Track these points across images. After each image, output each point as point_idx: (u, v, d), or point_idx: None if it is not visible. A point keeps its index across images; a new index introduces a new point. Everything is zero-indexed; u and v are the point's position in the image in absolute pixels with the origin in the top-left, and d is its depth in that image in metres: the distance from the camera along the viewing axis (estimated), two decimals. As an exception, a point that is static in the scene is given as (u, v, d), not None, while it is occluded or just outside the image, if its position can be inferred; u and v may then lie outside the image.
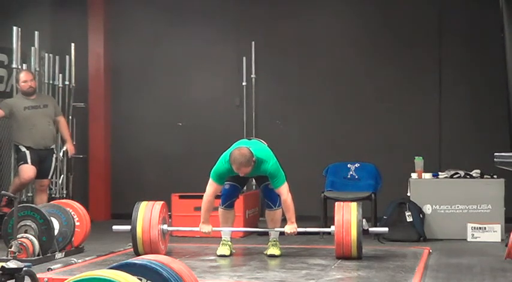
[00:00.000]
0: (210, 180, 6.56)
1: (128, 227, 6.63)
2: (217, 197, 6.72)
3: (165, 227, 6.68)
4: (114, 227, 6.93)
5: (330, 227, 6.52)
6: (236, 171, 6.36)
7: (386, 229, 6.83)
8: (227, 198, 6.71)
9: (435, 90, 9.87)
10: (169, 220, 7.10)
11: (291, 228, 6.53)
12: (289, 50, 10.22)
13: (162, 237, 6.64)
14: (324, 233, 8.19)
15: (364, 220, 6.40)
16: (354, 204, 6.48)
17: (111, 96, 10.59)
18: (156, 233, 6.53)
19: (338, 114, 10.08)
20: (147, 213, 6.58)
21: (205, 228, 6.64)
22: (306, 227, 6.59)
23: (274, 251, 6.62)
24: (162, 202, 6.76)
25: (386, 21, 10.01)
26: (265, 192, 6.69)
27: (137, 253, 6.48)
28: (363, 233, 6.35)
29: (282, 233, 6.68)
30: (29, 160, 7.93)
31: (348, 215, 6.34)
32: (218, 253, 6.63)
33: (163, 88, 10.44)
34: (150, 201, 6.72)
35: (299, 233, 6.64)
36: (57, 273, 5.56)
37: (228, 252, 6.64)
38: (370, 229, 6.57)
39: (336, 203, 6.55)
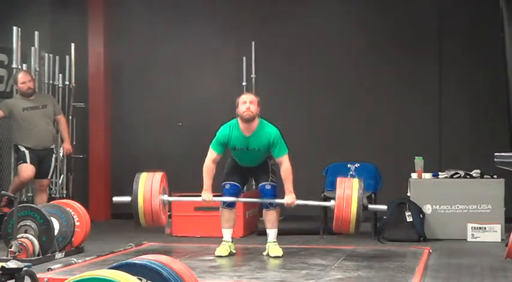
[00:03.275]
0: (209, 149, 6.66)
1: (128, 198, 6.61)
2: (218, 196, 6.73)
3: (165, 197, 6.68)
4: (115, 199, 6.89)
5: (330, 201, 6.59)
6: (242, 104, 6.54)
7: (385, 207, 6.83)
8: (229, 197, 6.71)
9: (435, 90, 9.87)
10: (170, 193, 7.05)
11: (289, 198, 6.55)
12: (289, 50, 10.22)
13: (163, 207, 6.64)
14: (323, 232, 8.22)
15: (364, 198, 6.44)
16: (355, 180, 6.50)
17: (111, 96, 10.59)
18: (158, 203, 6.53)
19: (338, 114, 10.08)
20: (148, 183, 6.56)
21: (206, 195, 6.63)
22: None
23: (277, 252, 6.60)
24: (162, 173, 6.74)
25: (386, 21, 10.02)
26: (263, 192, 6.70)
27: (138, 224, 6.53)
28: (362, 209, 6.37)
29: (279, 233, 6.70)
30: (28, 159, 7.93)
31: (349, 190, 6.36)
32: (216, 254, 6.63)
33: (163, 88, 10.44)
34: (150, 172, 6.69)
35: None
36: (57, 273, 5.56)
37: (225, 253, 6.63)
38: (370, 206, 6.57)
39: (338, 178, 6.57)
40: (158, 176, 6.66)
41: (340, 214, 6.34)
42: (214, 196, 6.66)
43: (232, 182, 6.71)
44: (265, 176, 6.70)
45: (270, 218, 6.72)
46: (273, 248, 6.64)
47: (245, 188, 7.34)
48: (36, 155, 7.99)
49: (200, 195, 6.67)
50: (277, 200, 6.68)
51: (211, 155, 6.65)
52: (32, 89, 8.06)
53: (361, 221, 6.39)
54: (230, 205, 6.74)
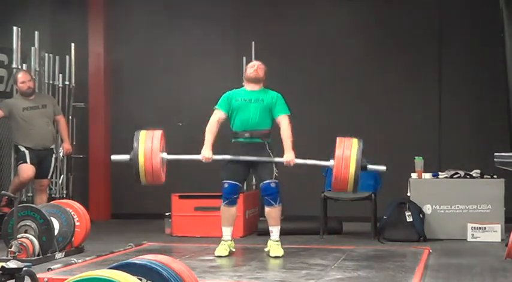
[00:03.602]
0: (215, 110, 6.74)
1: (127, 157, 6.59)
2: (218, 196, 6.73)
3: (164, 155, 6.66)
4: (113, 157, 6.87)
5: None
6: (250, 68, 6.82)
7: (384, 167, 6.77)
8: (228, 195, 6.70)
9: (435, 90, 9.87)
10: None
11: (289, 156, 6.62)
12: (289, 50, 10.22)
13: (162, 165, 6.62)
14: (323, 232, 8.22)
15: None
16: (355, 140, 6.51)
17: (111, 96, 10.60)
18: (158, 160, 6.52)
19: (338, 114, 10.08)
20: (148, 141, 6.55)
21: (206, 152, 6.66)
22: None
23: (278, 252, 6.60)
24: (161, 131, 6.72)
25: (387, 21, 10.02)
26: (266, 189, 6.65)
27: (139, 182, 6.53)
28: (361, 170, 6.41)
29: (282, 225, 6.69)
30: (28, 160, 7.92)
31: (348, 150, 6.38)
32: (216, 254, 6.62)
33: (163, 88, 10.44)
34: (149, 130, 6.66)
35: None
36: (57, 273, 5.55)
37: (225, 253, 6.62)
38: (369, 166, 6.55)
39: (338, 138, 6.57)
40: (158, 133, 6.65)
41: (339, 174, 6.39)
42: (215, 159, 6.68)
43: (231, 182, 6.68)
44: (268, 173, 6.66)
45: (273, 215, 6.70)
46: (275, 247, 6.63)
47: (245, 185, 7.31)
48: (36, 155, 7.99)
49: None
50: (276, 159, 6.66)
51: (216, 113, 6.73)
52: (31, 88, 8.06)
53: (359, 181, 6.41)
54: (230, 203, 6.70)
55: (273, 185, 6.62)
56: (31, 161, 7.94)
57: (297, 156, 6.71)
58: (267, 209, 6.74)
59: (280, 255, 6.56)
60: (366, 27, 10.02)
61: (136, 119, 10.43)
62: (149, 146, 6.52)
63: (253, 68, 6.82)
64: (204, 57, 10.31)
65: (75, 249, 7.00)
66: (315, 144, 9.98)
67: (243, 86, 6.90)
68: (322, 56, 10.14)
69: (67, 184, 9.47)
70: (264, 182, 6.66)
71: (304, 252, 6.85)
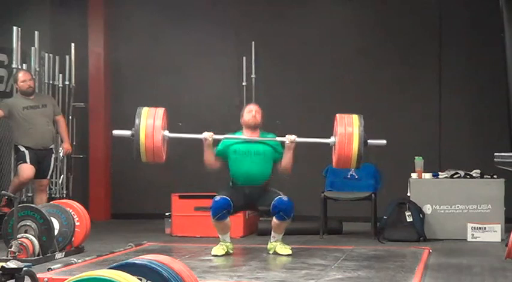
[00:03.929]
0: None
1: (129, 132, 6.54)
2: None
3: (166, 133, 6.62)
4: (115, 132, 6.80)
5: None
6: (248, 113, 6.74)
7: (384, 141, 6.77)
8: (217, 211, 6.56)
9: (435, 90, 9.87)
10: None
11: (290, 136, 6.68)
12: (289, 50, 10.22)
13: (164, 143, 6.58)
14: (323, 232, 8.22)
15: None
16: (355, 117, 6.50)
17: (111, 96, 10.59)
18: (160, 138, 6.47)
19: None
20: (150, 118, 6.50)
21: (207, 133, 6.71)
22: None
23: (287, 250, 6.63)
24: (163, 108, 6.68)
25: (387, 21, 10.01)
26: (280, 205, 6.53)
27: (139, 159, 6.47)
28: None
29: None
30: (27, 160, 7.92)
31: (350, 127, 6.39)
32: (212, 253, 6.62)
33: (163, 88, 10.43)
34: (152, 107, 6.63)
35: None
36: (57, 273, 5.55)
37: (221, 252, 6.61)
38: (369, 141, 6.54)
39: (338, 115, 6.56)
40: (160, 111, 6.61)
41: (342, 151, 6.37)
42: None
43: (222, 196, 6.60)
44: (275, 194, 6.63)
45: (282, 227, 6.69)
46: (282, 246, 6.67)
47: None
48: (36, 155, 7.99)
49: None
50: (278, 138, 6.67)
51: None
52: (32, 87, 8.07)
53: (362, 157, 6.39)
54: (220, 218, 6.58)
55: (285, 198, 6.56)
56: (31, 161, 7.93)
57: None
58: (277, 221, 6.63)
59: (291, 252, 6.59)
60: (366, 27, 10.02)
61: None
62: (151, 123, 6.48)
63: (251, 113, 6.75)
64: (204, 57, 10.31)
65: (75, 249, 6.99)
66: (314, 144, 9.99)
67: (240, 130, 6.82)
68: (322, 55, 10.13)
69: (67, 184, 9.47)
70: (275, 198, 6.57)
71: (304, 252, 6.85)
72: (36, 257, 6.39)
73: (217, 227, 6.68)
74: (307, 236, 8.31)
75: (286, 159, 6.65)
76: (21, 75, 8.08)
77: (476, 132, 9.70)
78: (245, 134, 6.74)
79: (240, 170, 6.67)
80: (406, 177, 8.46)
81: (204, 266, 6.06)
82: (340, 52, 10.07)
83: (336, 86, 10.10)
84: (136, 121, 6.50)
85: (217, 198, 6.60)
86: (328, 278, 5.47)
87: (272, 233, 6.75)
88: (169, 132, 6.71)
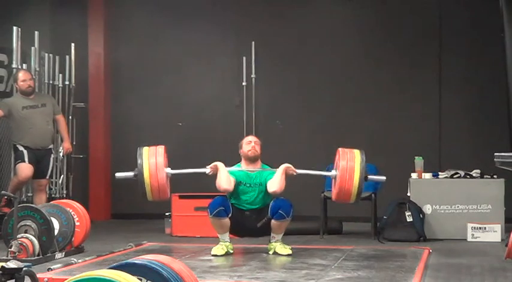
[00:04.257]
0: None
1: (131, 174, 6.61)
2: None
3: (168, 170, 6.66)
4: (117, 174, 6.87)
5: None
6: (247, 144, 6.72)
7: (383, 178, 6.90)
8: (214, 207, 6.60)
9: (435, 90, 9.87)
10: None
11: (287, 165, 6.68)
12: (289, 50, 10.22)
13: (167, 181, 6.64)
14: (323, 232, 8.22)
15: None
16: (357, 152, 6.56)
17: (111, 96, 10.60)
18: (164, 176, 6.54)
19: (338, 114, 10.08)
20: (152, 157, 6.55)
21: (217, 162, 6.68)
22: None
23: (287, 250, 6.63)
24: (163, 146, 6.72)
25: (386, 21, 10.01)
26: (278, 204, 6.59)
27: (145, 198, 6.55)
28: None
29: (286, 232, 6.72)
30: (26, 159, 7.92)
31: (352, 162, 6.45)
32: (212, 253, 6.62)
33: (163, 88, 10.44)
34: (151, 147, 6.67)
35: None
36: (57, 273, 5.55)
37: (221, 252, 6.62)
38: (369, 177, 6.61)
39: (340, 149, 6.62)
40: (161, 149, 6.66)
41: (343, 184, 6.45)
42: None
43: (221, 195, 6.68)
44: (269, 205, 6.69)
45: (282, 227, 6.70)
46: (282, 247, 6.67)
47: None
48: (35, 154, 7.99)
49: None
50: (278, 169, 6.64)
51: None
52: (32, 87, 8.07)
53: (362, 192, 6.50)
54: (217, 214, 6.60)
55: (282, 198, 6.63)
56: (29, 161, 7.93)
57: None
58: (277, 222, 6.64)
59: (291, 252, 6.60)
60: (366, 27, 10.02)
61: (136, 119, 10.46)
62: (153, 162, 6.55)
63: (250, 144, 6.75)
64: (204, 57, 10.31)
65: (75, 249, 6.99)
66: (314, 144, 10.01)
67: (239, 163, 6.83)
68: (322, 55, 10.13)
69: (67, 184, 9.47)
70: (274, 200, 6.63)
71: (304, 252, 6.84)
72: (36, 257, 6.40)
73: (215, 225, 6.69)
74: (307, 236, 8.31)
75: (274, 178, 6.62)
76: (21, 75, 8.08)
77: (476, 132, 9.70)
78: (247, 167, 6.77)
79: (243, 198, 6.75)
80: (406, 177, 8.46)
81: (204, 266, 6.06)
82: (340, 52, 10.07)
83: (336, 86, 10.10)
84: (139, 161, 6.56)
85: (215, 197, 6.69)
86: (328, 278, 5.46)
87: (272, 233, 6.75)
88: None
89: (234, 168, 6.77)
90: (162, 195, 6.63)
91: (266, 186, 6.67)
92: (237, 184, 6.70)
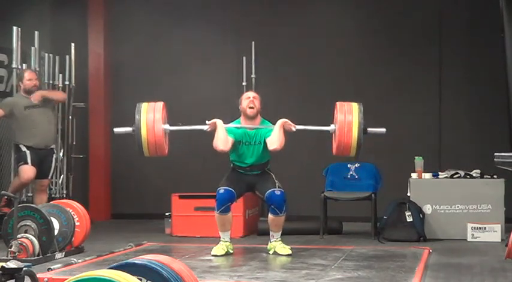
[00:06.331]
0: None
1: (130, 129, 6.58)
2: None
3: (167, 126, 6.63)
4: (116, 129, 6.81)
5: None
6: (246, 99, 6.71)
7: (383, 129, 6.76)
8: (222, 203, 6.61)
9: (435, 90, 9.87)
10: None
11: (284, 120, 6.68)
12: (289, 50, 10.22)
13: (165, 136, 6.60)
14: (323, 232, 8.22)
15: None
16: (355, 104, 6.50)
17: (111, 96, 10.60)
18: (161, 131, 6.50)
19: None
20: (150, 113, 6.53)
21: (215, 119, 6.67)
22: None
23: (286, 250, 6.63)
24: (162, 102, 6.69)
25: (386, 21, 10.02)
26: (272, 198, 6.61)
27: (141, 154, 6.50)
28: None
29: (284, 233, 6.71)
30: (29, 160, 7.92)
31: (349, 115, 6.40)
32: (212, 253, 6.63)
33: (163, 88, 10.42)
34: (150, 102, 6.64)
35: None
36: (57, 273, 5.55)
37: (221, 252, 6.62)
38: (369, 129, 6.52)
39: (338, 103, 6.57)
40: (159, 105, 6.63)
41: (342, 138, 6.39)
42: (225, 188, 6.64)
43: (226, 188, 6.63)
44: (271, 184, 6.66)
45: (277, 223, 6.70)
46: (281, 247, 6.67)
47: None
48: (37, 155, 7.98)
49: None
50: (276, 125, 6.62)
51: None
52: (37, 87, 8.10)
53: (362, 146, 6.41)
54: (224, 210, 6.63)
55: (277, 192, 6.59)
56: (32, 162, 7.93)
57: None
58: (271, 216, 6.69)
59: (290, 252, 6.60)
60: (365, 27, 10.02)
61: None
62: (151, 117, 6.51)
63: (249, 99, 6.75)
64: (204, 57, 10.32)
65: (75, 249, 7.00)
66: (315, 144, 10.00)
67: (238, 118, 6.83)
68: (322, 56, 10.14)
69: (67, 184, 9.47)
70: (268, 190, 6.62)
71: (304, 252, 6.85)
72: (36, 257, 6.40)
73: (219, 222, 6.69)
74: (307, 236, 8.31)
75: (273, 136, 6.60)
76: (27, 74, 8.10)
77: (476, 132, 9.70)
78: (246, 124, 6.74)
79: (241, 154, 6.73)
80: (406, 177, 8.46)
81: (204, 266, 6.06)
82: (340, 52, 10.07)
83: (336, 85, 10.10)
84: (137, 116, 6.53)
85: (222, 190, 6.63)
86: (328, 278, 5.47)
87: (270, 232, 6.76)
88: (169, 131, 6.70)
89: (232, 125, 6.72)
90: (159, 151, 6.54)
91: (265, 143, 6.65)
92: (237, 143, 6.68)
